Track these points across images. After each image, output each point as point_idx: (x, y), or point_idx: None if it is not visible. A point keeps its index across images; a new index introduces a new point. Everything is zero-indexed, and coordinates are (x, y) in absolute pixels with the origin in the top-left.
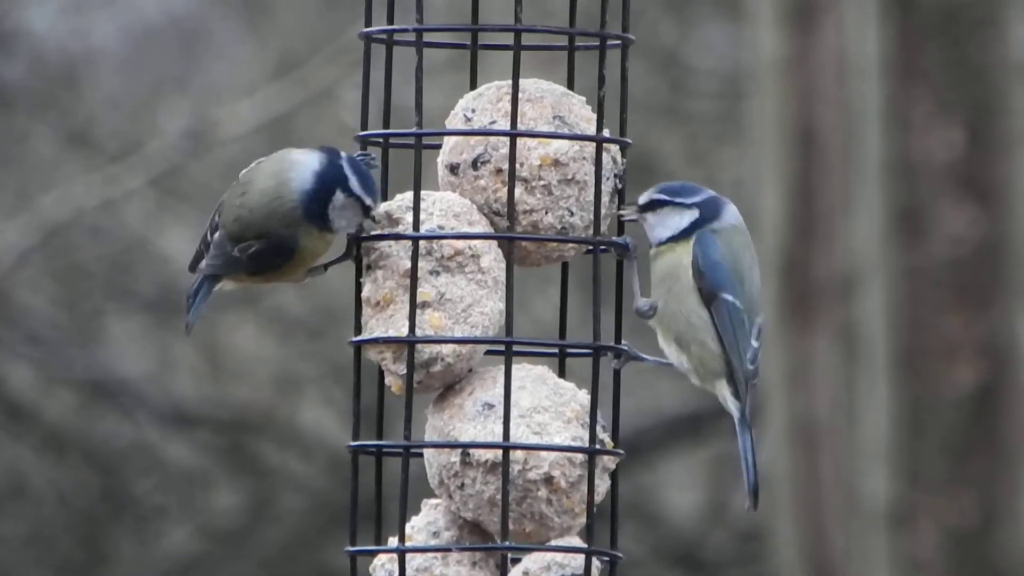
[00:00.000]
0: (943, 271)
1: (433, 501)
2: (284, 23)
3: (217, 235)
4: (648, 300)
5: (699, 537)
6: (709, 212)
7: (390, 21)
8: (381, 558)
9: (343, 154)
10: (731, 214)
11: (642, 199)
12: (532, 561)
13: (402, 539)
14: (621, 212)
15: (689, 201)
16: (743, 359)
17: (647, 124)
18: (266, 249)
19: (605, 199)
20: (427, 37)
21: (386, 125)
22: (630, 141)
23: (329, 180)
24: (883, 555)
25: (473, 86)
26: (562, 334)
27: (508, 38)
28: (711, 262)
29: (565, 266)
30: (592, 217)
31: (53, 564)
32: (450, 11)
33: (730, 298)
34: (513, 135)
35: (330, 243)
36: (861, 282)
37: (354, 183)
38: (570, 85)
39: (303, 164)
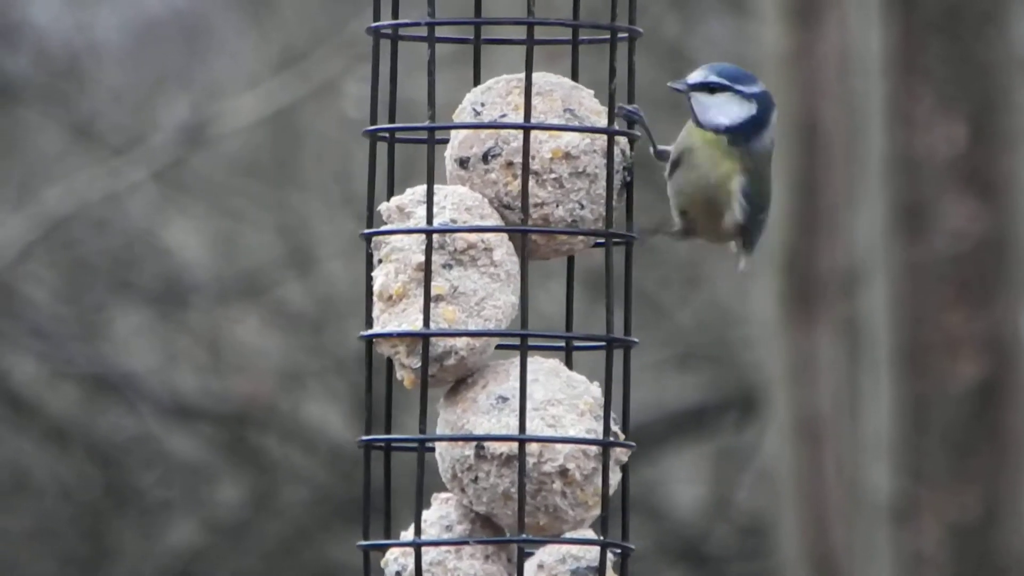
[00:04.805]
0: (946, 266)
1: (443, 495)
2: (286, 16)
3: None
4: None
5: (702, 531)
6: (763, 112)
7: (395, 15)
8: (393, 552)
9: None
10: (774, 124)
11: (695, 77)
12: (547, 554)
13: (418, 532)
14: (671, 84)
15: (748, 91)
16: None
17: (652, 117)
18: None
19: (614, 192)
20: (437, 31)
21: (392, 119)
22: (639, 134)
23: None
24: (886, 550)
25: (476, 81)
26: (568, 327)
27: (513, 32)
28: (753, 206)
29: (571, 259)
30: (602, 210)
31: (56, 558)
32: (454, 5)
33: (762, 216)
34: (526, 128)
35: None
36: (864, 277)
37: None
38: (574, 79)
39: None
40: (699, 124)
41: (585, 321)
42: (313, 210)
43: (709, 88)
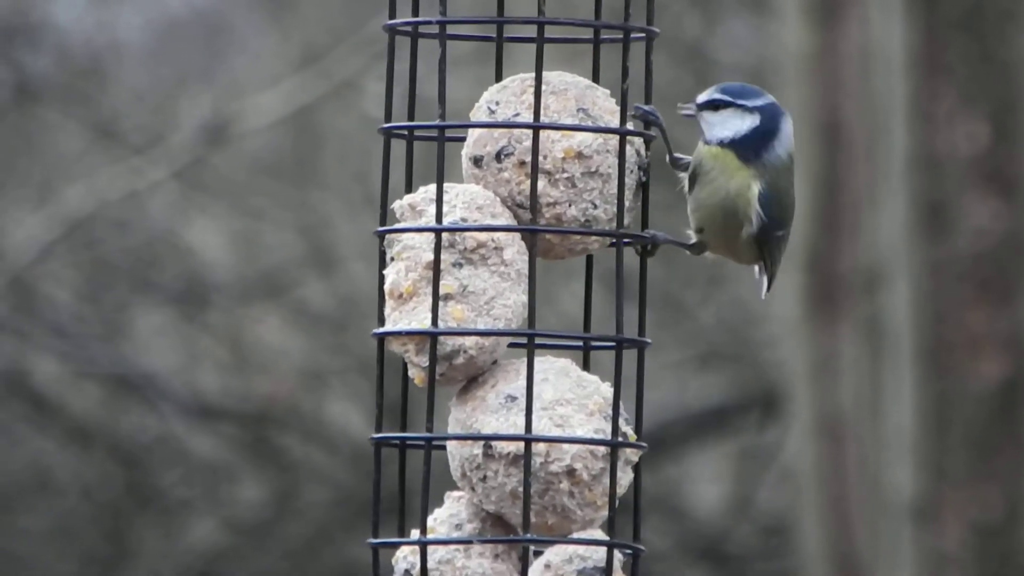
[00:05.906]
0: (968, 264)
1: (456, 493)
2: (307, 15)
3: None
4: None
5: (724, 531)
6: (767, 123)
7: (415, 13)
8: (403, 550)
9: None
10: (786, 134)
11: (702, 97)
12: (554, 554)
13: (424, 531)
14: (680, 107)
15: (751, 104)
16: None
17: (672, 117)
18: None
19: (628, 193)
20: (453, 29)
21: (411, 117)
22: (654, 135)
23: None
24: (908, 548)
25: (498, 79)
26: (586, 327)
27: (533, 30)
28: (771, 219)
29: (589, 259)
30: (616, 210)
31: (77, 557)
32: (476, 3)
33: (780, 233)
34: (536, 127)
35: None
36: (886, 276)
37: None
38: (595, 78)
39: None
40: (706, 142)
41: (609, 321)
42: (334, 209)
43: (713, 106)
